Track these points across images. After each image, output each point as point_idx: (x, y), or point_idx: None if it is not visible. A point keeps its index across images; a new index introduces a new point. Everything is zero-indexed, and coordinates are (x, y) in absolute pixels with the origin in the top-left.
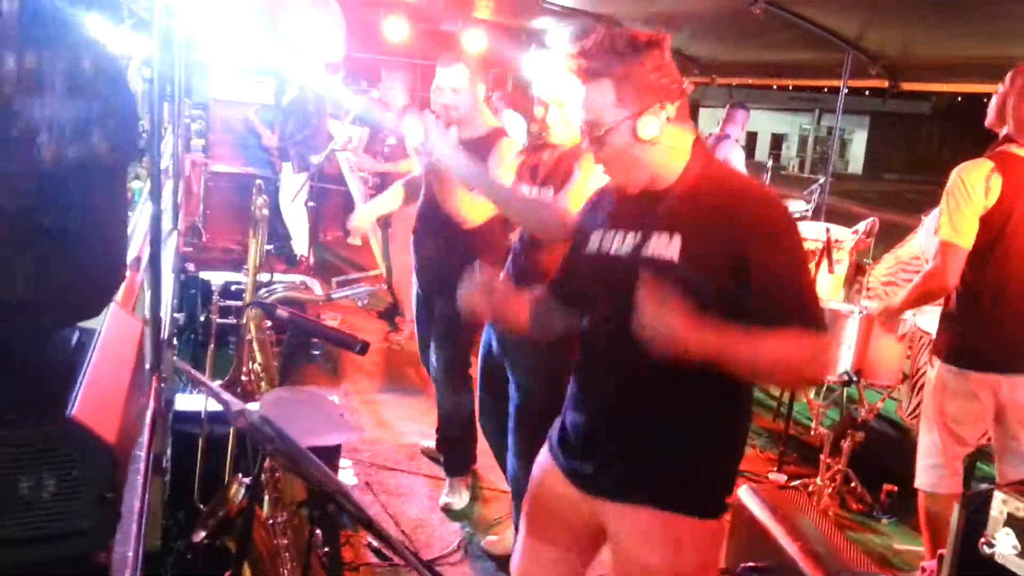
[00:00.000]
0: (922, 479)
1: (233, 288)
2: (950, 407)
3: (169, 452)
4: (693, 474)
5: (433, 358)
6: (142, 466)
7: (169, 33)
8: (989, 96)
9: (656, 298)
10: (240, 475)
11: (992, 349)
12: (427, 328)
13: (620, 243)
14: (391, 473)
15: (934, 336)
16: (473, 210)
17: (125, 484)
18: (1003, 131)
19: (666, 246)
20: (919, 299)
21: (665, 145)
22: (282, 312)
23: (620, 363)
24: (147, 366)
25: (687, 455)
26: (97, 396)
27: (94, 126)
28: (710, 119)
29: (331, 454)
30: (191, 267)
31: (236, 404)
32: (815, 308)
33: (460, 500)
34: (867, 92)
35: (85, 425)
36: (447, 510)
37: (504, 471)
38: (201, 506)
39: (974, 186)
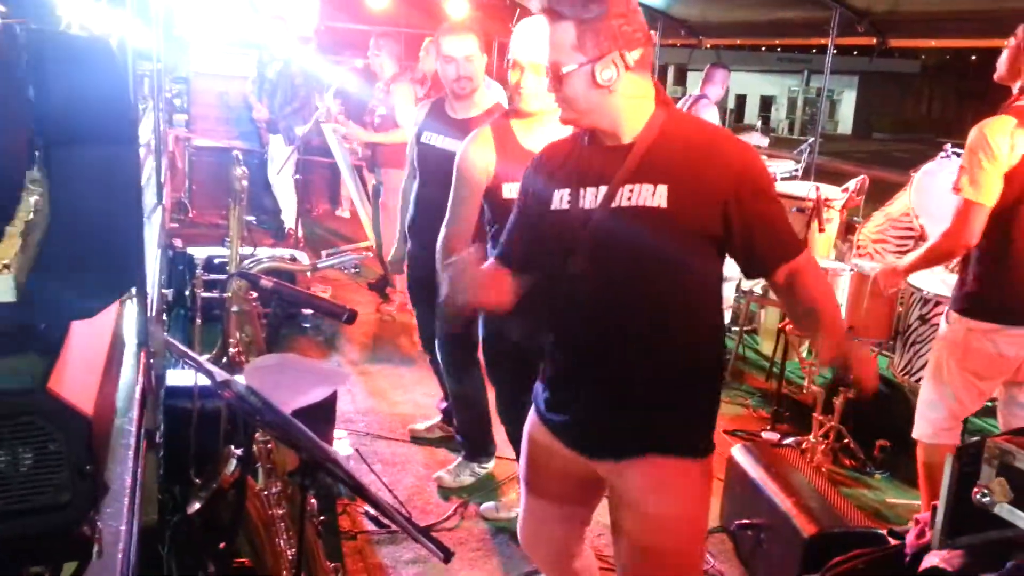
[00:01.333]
0: (923, 430)
1: (217, 261)
2: (974, 363)
3: (162, 427)
4: (682, 416)
5: (438, 344)
6: (132, 441)
7: (146, 7)
8: (979, 52)
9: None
10: (232, 447)
11: (1021, 304)
12: (429, 319)
13: (593, 198)
14: (386, 442)
15: (935, 292)
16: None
17: (107, 458)
18: (1016, 85)
19: (651, 195)
20: (935, 259)
21: (625, 94)
22: (266, 282)
23: (599, 318)
24: (135, 341)
25: (675, 399)
26: (74, 368)
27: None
28: (698, 81)
29: (325, 424)
30: (178, 243)
31: (221, 375)
32: (795, 237)
33: (455, 481)
34: (855, 52)
35: (61, 398)
36: (440, 483)
37: (517, 451)
38: (197, 480)
39: (999, 143)
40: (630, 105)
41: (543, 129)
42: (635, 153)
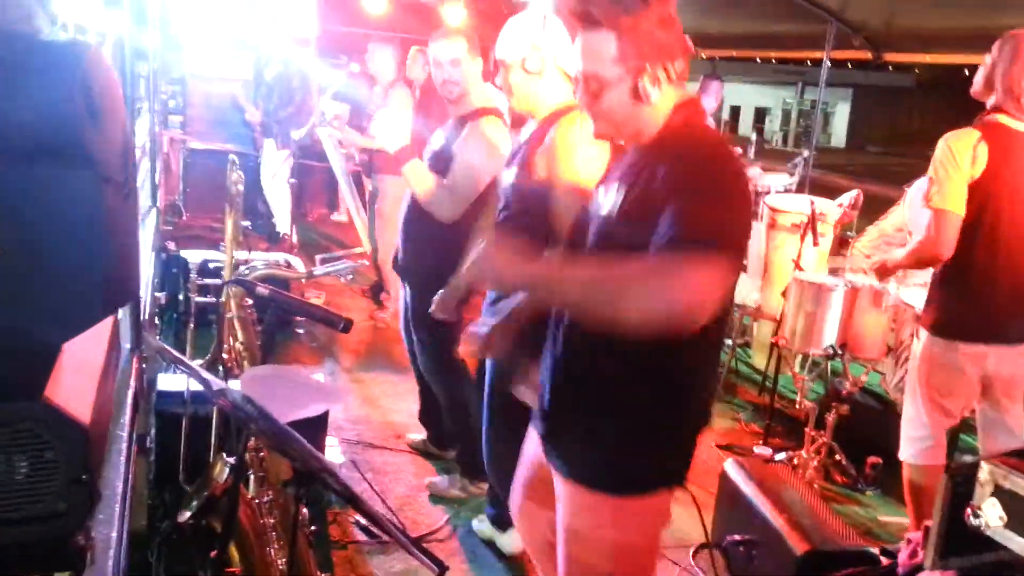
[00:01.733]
0: (906, 450)
1: (212, 266)
2: (936, 379)
3: (153, 432)
4: (604, 450)
5: (417, 351)
6: (124, 446)
7: (142, 8)
8: (972, 67)
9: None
10: (224, 454)
11: (979, 320)
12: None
13: (599, 201)
14: (378, 451)
15: (920, 309)
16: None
17: (102, 465)
18: (990, 100)
19: (612, 202)
20: (915, 263)
21: (663, 107)
22: (262, 289)
23: (556, 327)
24: (127, 346)
25: (598, 430)
26: (71, 376)
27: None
28: (693, 92)
29: (317, 432)
30: (172, 246)
31: (216, 383)
32: (711, 230)
33: (445, 490)
34: (850, 65)
35: (58, 406)
36: (431, 489)
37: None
38: (187, 486)
39: (961, 154)
40: (659, 113)
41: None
42: (629, 157)
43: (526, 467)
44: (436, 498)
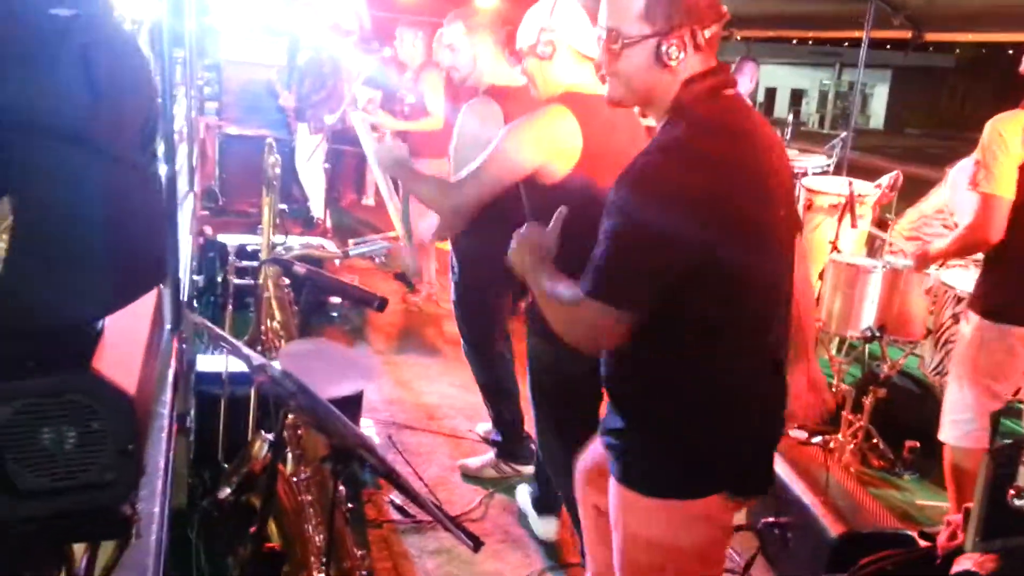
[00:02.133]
0: (948, 433)
1: (249, 249)
2: (987, 362)
3: (193, 412)
4: (641, 450)
5: (462, 335)
6: (166, 424)
7: None
8: (1016, 46)
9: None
10: (263, 432)
11: None
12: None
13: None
14: (411, 432)
15: (968, 291)
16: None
17: (148, 439)
18: None
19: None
20: (960, 252)
21: (686, 77)
22: (299, 268)
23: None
24: (168, 326)
25: (636, 432)
26: (116, 352)
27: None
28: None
29: (352, 412)
30: (209, 230)
31: (257, 359)
32: (599, 277)
33: (478, 471)
34: (888, 46)
35: (105, 377)
36: (464, 471)
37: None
38: (225, 465)
39: (1011, 137)
40: (678, 86)
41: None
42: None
43: (590, 452)
44: (470, 479)
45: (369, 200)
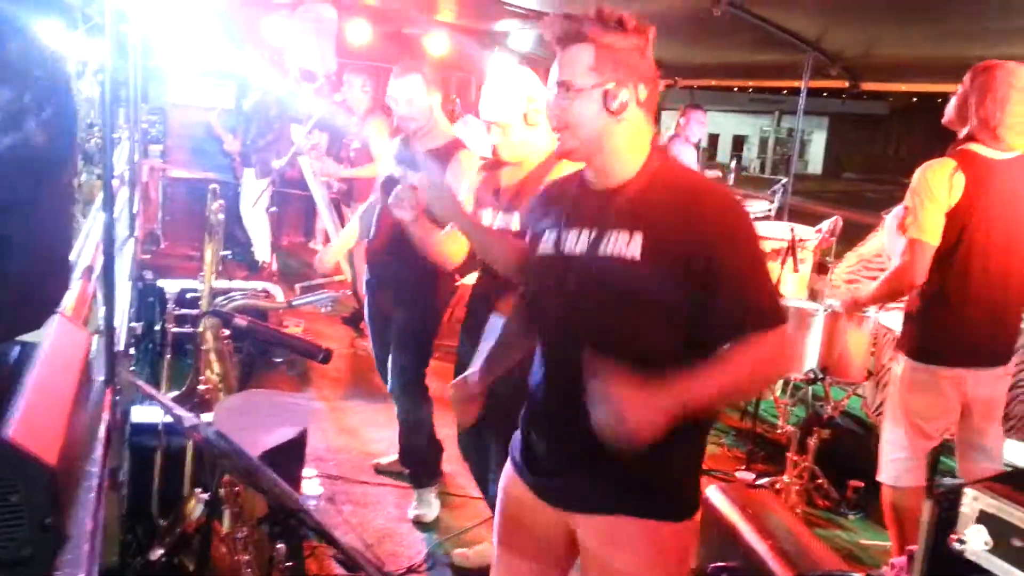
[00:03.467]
0: (886, 473)
1: (189, 296)
2: (916, 402)
3: (127, 465)
4: (666, 477)
5: (391, 370)
6: (95, 483)
7: (123, 37)
8: (944, 96)
9: (608, 395)
10: (198, 490)
11: (957, 344)
12: (382, 343)
13: (575, 241)
14: (357, 482)
15: (898, 333)
16: (457, 250)
17: (72, 507)
18: (963, 130)
19: (626, 245)
20: (887, 295)
21: (629, 129)
22: (240, 320)
23: (571, 370)
24: (101, 378)
25: (658, 459)
26: (37, 415)
27: (27, 115)
28: (673, 120)
29: (294, 463)
30: (149, 275)
31: (188, 418)
32: (775, 304)
33: (431, 511)
34: (825, 94)
35: (24, 448)
36: (418, 522)
37: (482, 488)
38: (161, 521)
39: (938, 184)
40: (631, 144)
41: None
42: (623, 196)
43: (515, 528)
44: (421, 527)
45: (317, 244)
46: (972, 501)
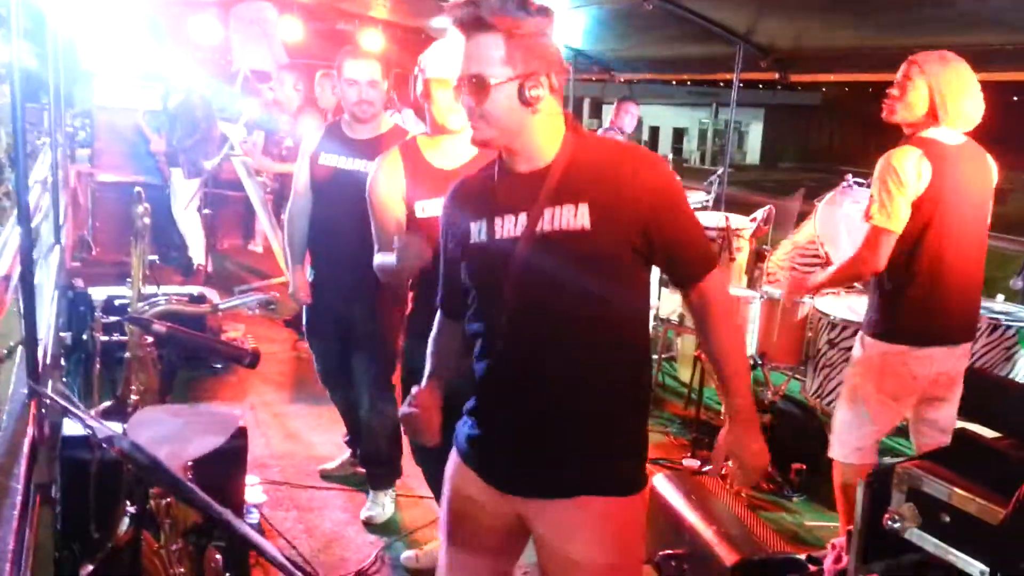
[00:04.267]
0: (840, 451)
1: (117, 303)
2: (890, 384)
3: (58, 480)
4: (616, 455)
5: (357, 374)
6: (19, 500)
7: (44, 39)
8: (876, 84)
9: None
10: (129, 502)
11: (930, 324)
12: (328, 345)
13: (512, 226)
14: (303, 487)
15: (843, 317)
16: None
17: None
18: (916, 118)
19: (573, 217)
20: (844, 280)
21: (544, 116)
22: (159, 327)
23: (526, 348)
24: (23, 391)
25: (607, 432)
26: None
27: None
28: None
29: (234, 471)
30: (80, 283)
31: (103, 431)
32: (710, 251)
33: (383, 512)
34: (760, 86)
35: None
36: (369, 523)
37: (434, 490)
38: (97, 535)
39: (907, 171)
40: (548, 127)
41: (452, 146)
42: (553, 175)
43: (463, 510)
44: (369, 529)
45: (257, 247)
46: (902, 480)
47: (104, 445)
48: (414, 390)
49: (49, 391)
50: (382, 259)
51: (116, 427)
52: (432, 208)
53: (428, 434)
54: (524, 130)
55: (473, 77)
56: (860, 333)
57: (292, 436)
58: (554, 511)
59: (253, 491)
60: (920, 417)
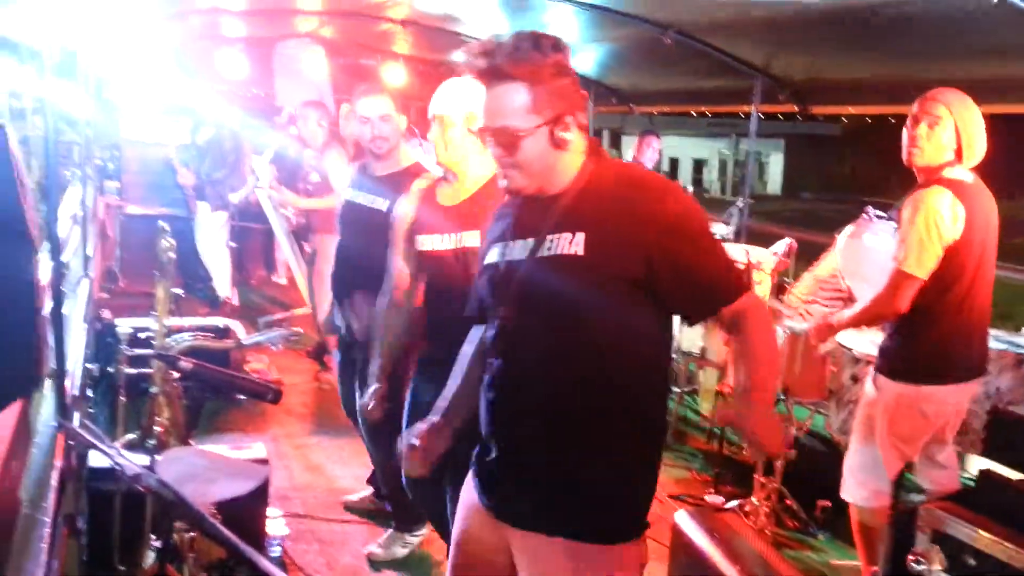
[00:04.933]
0: (854, 493)
1: (142, 336)
2: (901, 426)
3: (86, 512)
4: (601, 498)
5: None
6: (47, 530)
7: (75, 73)
8: (895, 116)
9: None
10: (154, 536)
11: (950, 363)
12: (353, 377)
13: (520, 250)
14: (324, 520)
15: (865, 352)
16: None
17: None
18: (943, 160)
19: (569, 244)
20: (867, 322)
21: (574, 153)
22: (185, 364)
23: (516, 375)
24: (52, 424)
25: (594, 477)
26: None
27: None
28: (632, 144)
29: (257, 505)
30: (107, 315)
31: (131, 467)
32: (733, 274)
33: (387, 554)
34: (780, 116)
35: None
36: (373, 558)
37: (436, 525)
38: (122, 567)
39: (944, 218)
40: (573, 162)
41: (454, 182)
42: (561, 203)
43: (466, 547)
44: (391, 564)
45: (281, 279)
46: (927, 522)
47: (132, 481)
48: (419, 424)
49: (76, 423)
50: (382, 308)
51: (143, 461)
52: (430, 243)
53: (419, 470)
54: (555, 170)
55: (501, 130)
56: (873, 372)
57: (314, 468)
58: (534, 545)
59: (275, 524)
60: (926, 459)
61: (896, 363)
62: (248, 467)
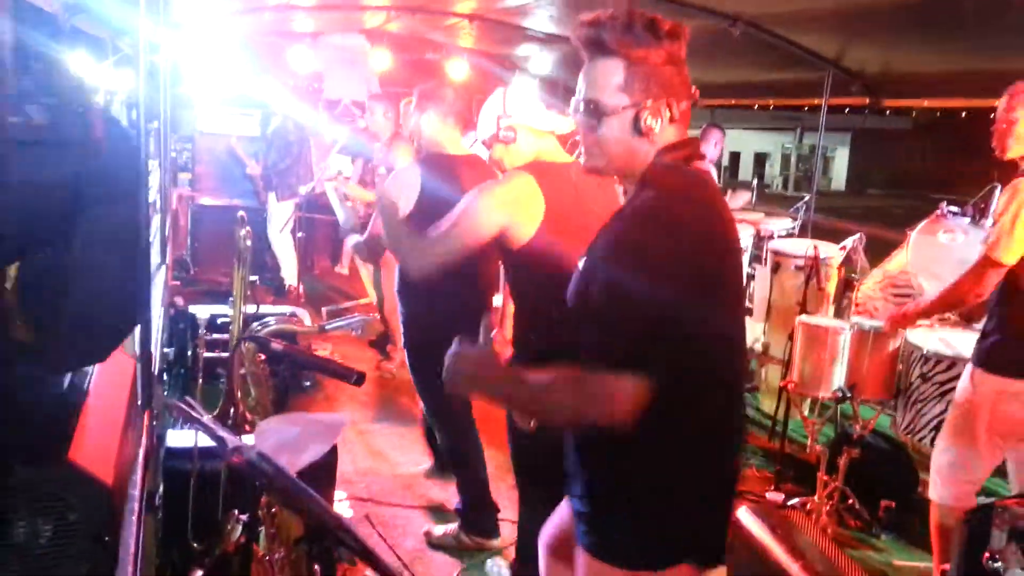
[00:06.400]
0: (943, 493)
1: (219, 321)
2: (1001, 423)
3: (161, 489)
4: (621, 523)
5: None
6: (136, 505)
7: (154, 68)
8: (969, 110)
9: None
10: (236, 511)
11: None
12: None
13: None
14: (386, 504)
15: (936, 351)
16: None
17: (123, 526)
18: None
19: (582, 263)
20: (946, 306)
21: (659, 142)
22: (277, 346)
23: None
24: (138, 403)
25: (615, 503)
26: (93, 438)
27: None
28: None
29: (325, 486)
30: (180, 301)
31: (232, 441)
32: (614, 344)
33: (441, 540)
34: (847, 110)
35: (83, 469)
36: (429, 539)
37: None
38: (195, 544)
39: None
40: (652, 156)
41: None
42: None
43: (555, 522)
44: (444, 549)
45: (343, 269)
46: (1004, 520)
47: (230, 455)
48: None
49: (159, 404)
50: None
51: (247, 439)
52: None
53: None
54: (636, 160)
55: (588, 102)
56: (969, 367)
57: (376, 454)
58: (577, 557)
59: (340, 506)
60: (1021, 459)
61: (995, 357)
62: (329, 423)
